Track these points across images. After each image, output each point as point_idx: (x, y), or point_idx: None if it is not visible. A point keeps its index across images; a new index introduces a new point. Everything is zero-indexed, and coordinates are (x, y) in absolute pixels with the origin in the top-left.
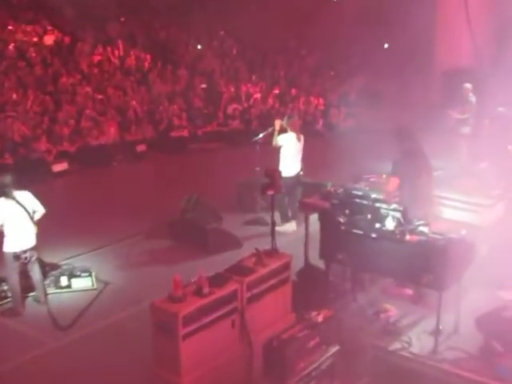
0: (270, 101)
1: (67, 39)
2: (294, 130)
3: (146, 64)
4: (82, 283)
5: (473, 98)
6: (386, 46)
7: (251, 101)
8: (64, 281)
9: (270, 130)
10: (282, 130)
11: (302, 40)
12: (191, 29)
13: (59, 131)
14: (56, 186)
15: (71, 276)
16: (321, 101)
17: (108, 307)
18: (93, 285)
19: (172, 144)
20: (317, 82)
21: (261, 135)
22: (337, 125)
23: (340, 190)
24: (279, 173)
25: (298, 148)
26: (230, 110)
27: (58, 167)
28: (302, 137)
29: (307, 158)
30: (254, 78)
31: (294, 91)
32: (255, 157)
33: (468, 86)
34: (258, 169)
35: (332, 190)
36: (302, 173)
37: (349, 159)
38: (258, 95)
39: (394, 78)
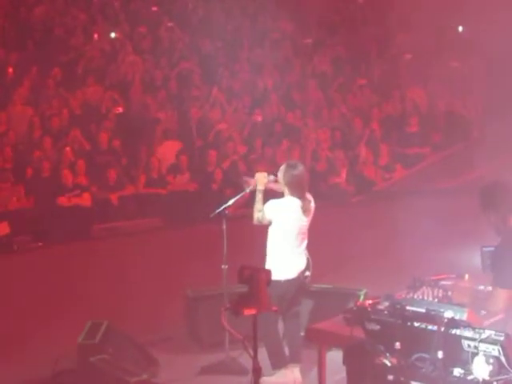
0: (247, 134)
1: None
2: (295, 191)
3: (10, 70)
4: None
5: None
6: (460, 29)
7: (211, 136)
8: None
9: (247, 191)
10: (273, 193)
11: (303, 20)
12: (95, 3)
13: None
14: None
15: None
16: (342, 134)
17: None
18: None
19: (61, 221)
20: (335, 97)
21: (231, 202)
22: (375, 178)
23: (383, 305)
24: (267, 274)
25: (301, 226)
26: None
27: None
28: (312, 205)
29: (319, 244)
30: (215, 91)
31: (291, 116)
32: (220, 244)
33: None
34: (225, 267)
35: (368, 304)
36: (308, 273)
37: (399, 245)
38: (224, 125)
39: (487, 91)
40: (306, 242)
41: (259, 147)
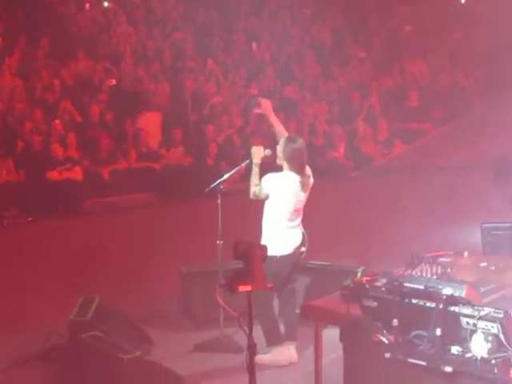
0: (243, 107)
1: None
2: (295, 165)
3: None
4: None
5: None
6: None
7: (206, 109)
8: None
9: (243, 165)
10: (270, 167)
11: None
12: None
13: None
14: None
15: None
16: (341, 108)
17: None
18: None
19: (52, 196)
20: (333, 69)
21: (226, 177)
22: (373, 153)
23: (381, 282)
24: (262, 250)
25: (298, 202)
26: None
27: None
28: (311, 180)
29: (317, 219)
30: (210, 63)
31: (289, 90)
32: (215, 220)
33: None
34: (220, 242)
35: (365, 281)
36: (304, 249)
37: (398, 221)
38: (219, 99)
39: (489, 63)
40: (301, 217)
41: (256, 119)
